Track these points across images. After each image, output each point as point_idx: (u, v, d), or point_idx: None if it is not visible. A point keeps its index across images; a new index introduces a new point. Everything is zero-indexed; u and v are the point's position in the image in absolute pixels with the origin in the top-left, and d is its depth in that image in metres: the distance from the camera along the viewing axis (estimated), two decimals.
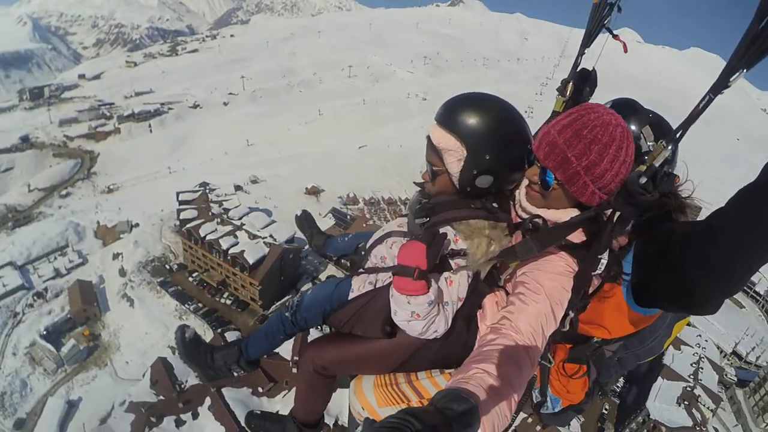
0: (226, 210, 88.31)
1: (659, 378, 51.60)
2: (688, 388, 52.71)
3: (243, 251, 77.53)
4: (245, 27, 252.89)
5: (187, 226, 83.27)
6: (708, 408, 52.20)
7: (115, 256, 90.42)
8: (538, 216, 2.23)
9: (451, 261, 2.30)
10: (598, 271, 2.10)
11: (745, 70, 1.49)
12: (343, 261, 3.89)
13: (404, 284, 2.08)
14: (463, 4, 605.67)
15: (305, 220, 4.11)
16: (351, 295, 2.65)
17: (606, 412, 50.55)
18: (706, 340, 65.99)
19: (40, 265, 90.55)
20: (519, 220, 2.38)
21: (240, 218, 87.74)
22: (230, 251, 78.59)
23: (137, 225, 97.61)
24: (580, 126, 2.02)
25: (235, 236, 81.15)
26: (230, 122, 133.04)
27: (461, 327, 2.34)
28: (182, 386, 51.66)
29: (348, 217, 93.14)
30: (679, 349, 56.56)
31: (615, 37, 2.92)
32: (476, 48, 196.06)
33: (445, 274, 2.28)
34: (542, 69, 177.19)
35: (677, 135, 1.88)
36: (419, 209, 2.44)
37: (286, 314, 2.86)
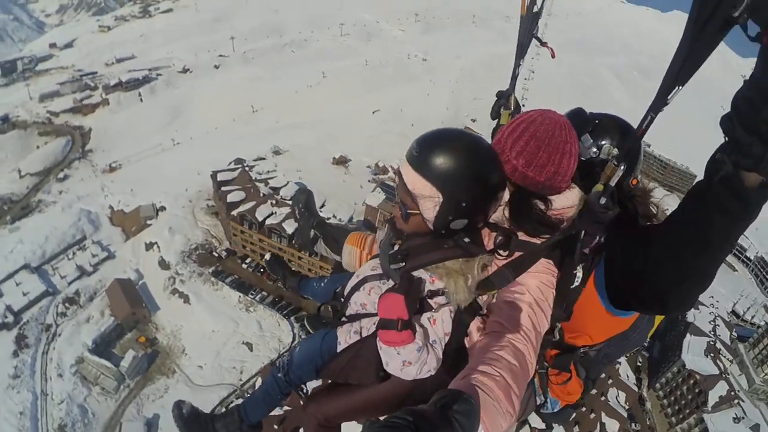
0: (275, 189, 74.80)
1: (687, 334, 58.39)
2: (711, 342, 59.60)
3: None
4: None
5: (240, 210, 69.56)
6: (728, 359, 59.67)
7: (149, 246, 75.20)
8: (510, 233, 2.12)
9: (430, 301, 2.16)
10: (576, 284, 2.13)
11: (680, 87, 1.51)
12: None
13: (390, 337, 1.99)
14: None
15: (276, 263, 3.95)
16: (339, 348, 2.50)
17: (640, 364, 60.15)
18: (718, 300, 69.30)
19: (59, 264, 74.24)
20: (492, 221, 2.24)
21: (291, 197, 74.85)
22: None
23: (164, 208, 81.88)
24: (514, 126, 2.18)
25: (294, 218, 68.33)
26: (228, 87, 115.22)
27: (452, 358, 2.19)
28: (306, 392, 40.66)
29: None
30: (698, 309, 61.18)
31: (543, 44, 2.91)
32: (464, 5, 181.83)
33: (427, 314, 2.14)
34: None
35: (625, 153, 1.84)
36: (393, 255, 2.25)
37: (279, 375, 2.72)
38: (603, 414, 47.10)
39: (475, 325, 2.22)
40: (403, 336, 1.97)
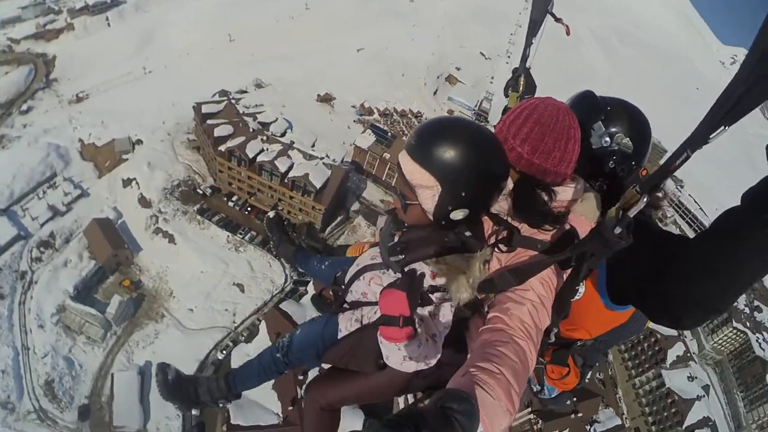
0: (263, 124, 67.95)
1: None
2: None
3: (307, 174, 60.64)
4: None
5: (228, 145, 62.84)
6: None
7: (127, 182, 68.09)
8: (512, 227, 2.06)
9: (431, 296, 2.14)
10: (577, 298, 2.09)
11: (726, 127, 1.37)
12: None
13: (392, 333, 1.94)
14: None
15: (276, 224, 3.82)
16: (340, 335, 2.54)
17: None
18: None
19: (29, 204, 66.47)
20: (496, 212, 2.18)
21: (282, 134, 68.46)
22: (290, 174, 61.25)
23: (140, 142, 74.00)
24: (518, 112, 2.14)
25: (289, 156, 62.73)
26: (202, 13, 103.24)
27: (451, 351, 2.20)
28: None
29: (389, 134, 74.92)
30: None
31: (558, 20, 2.72)
32: None
33: (428, 308, 2.13)
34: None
35: (651, 185, 1.76)
36: (392, 247, 2.24)
37: (278, 355, 2.76)
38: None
39: (475, 320, 2.21)
40: (404, 332, 1.91)
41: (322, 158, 64.12)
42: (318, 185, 60.35)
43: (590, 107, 2.43)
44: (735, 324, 65.22)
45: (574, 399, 47.36)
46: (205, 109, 68.44)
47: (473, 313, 2.22)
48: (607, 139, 2.35)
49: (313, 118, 79.41)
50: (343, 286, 2.71)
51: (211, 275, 58.91)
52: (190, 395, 2.82)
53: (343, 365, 2.52)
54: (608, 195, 2.17)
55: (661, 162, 1.69)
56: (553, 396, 2.95)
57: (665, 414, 56.82)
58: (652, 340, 60.10)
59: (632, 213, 1.68)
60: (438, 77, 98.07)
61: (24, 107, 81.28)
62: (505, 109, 2.61)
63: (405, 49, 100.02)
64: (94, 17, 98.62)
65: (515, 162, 2.10)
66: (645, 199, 1.67)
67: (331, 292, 3.04)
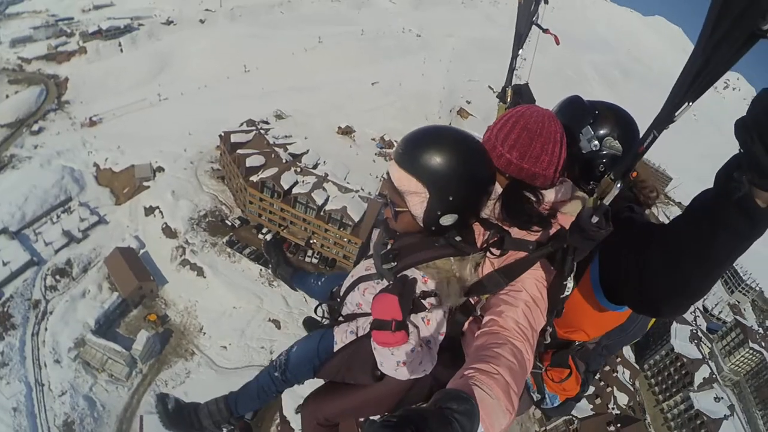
0: (294, 156, 64.89)
1: (674, 321, 58.91)
2: (693, 330, 64.78)
3: (345, 207, 57.60)
4: None
5: (261, 175, 59.34)
6: (707, 345, 66.23)
7: (149, 210, 63.39)
8: (503, 230, 2.05)
9: (423, 302, 2.08)
10: (567, 293, 2.05)
11: (690, 103, 1.35)
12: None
13: (384, 338, 1.93)
14: None
15: (274, 247, 3.80)
16: (336, 347, 2.45)
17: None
18: None
19: (42, 229, 61.07)
20: (486, 217, 2.17)
21: (314, 166, 65.36)
22: (327, 207, 58.30)
23: (161, 169, 69.70)
24: (506, 119, 2.13)
25: (324, 189, 59.61)
26: (216, 43, 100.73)
27: (447, 358, 2.15)
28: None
29: None
30: None
31: (545, 31, 2.68)
32: None
33: (421, 314, 2.07)
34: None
35: (623, 171, 1.68)
36: (385, 254, 2.21)
37: (276, 374, 2.66)
38: (615, 388, 53.21)
39: (469, 325, 2.16)
40: (397, 337, 1.91)
41: (357, 191, 61.23)
42: (356, 219, 57.29)
43: (578, 111, 2.39)
44: (751, 344, 65.85)
45: (616, 425, 48.96)
46: (233, 138, 65.11)
47: (467, 318, 2.15)
48: (596, 142, 2.32)
49: (335, 150, 77.19)
50: (338, 300, 2.64)
51: (245, 311, 54.31)
52: (193, 422, 2.70)
53: (340, 379, 2.42)
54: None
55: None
56: (555, 405, 2.68)
57: None
58: (678, 364, 60.33)
59: (607, 201, 1.66)
60: (450, 111, 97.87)
61: (35, 127, 76.29)
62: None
63: (417, 83, 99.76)
64: (106, 42, 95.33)
65: (505, 168, 2.09)
66: (619, 185, 1.63)
67: (326, 308, 2.87)
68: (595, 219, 1.69)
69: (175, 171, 68.76)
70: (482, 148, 2.11)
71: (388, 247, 2.24)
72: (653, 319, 2.65)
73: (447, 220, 2.02)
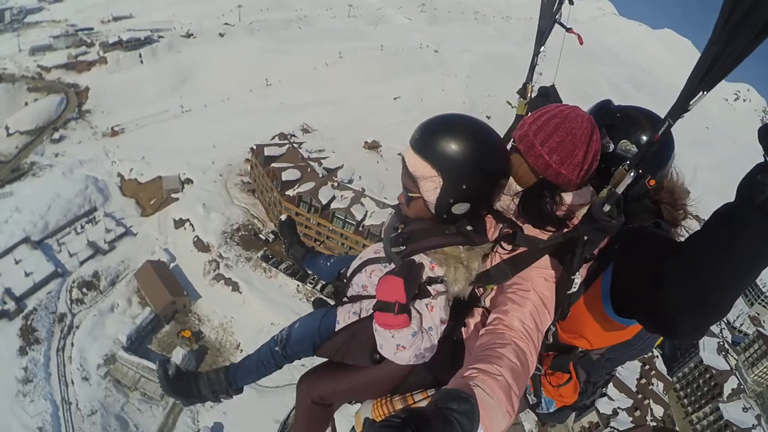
0: (329, 170, 62.29)
1: None
2: (720, 342, 63.93)
3: (384, 223, 54.33)
4: None
5: (298, 190, 56.62)
6: (734, 357, 65.50)
7: (179, 223, 60.17)
8: (516, 225, 2.04)
9: (429, 288, 2.03)
10: (573, 290, 1.97)
11: (705, 93, 1.34)
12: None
13: (386, 320, 1.88)
14: None
15: (288, 227, 3.72)
16: (337, 327, 2.41)
17: (657, 357, 59.10)
18: None
19: (66, 239, 57.75)
20: (500, 210, 2.18)
21: (349, 181, 62.81)
22: (365, 223, 55.75)
23: (190, 181, 66.68)
24: (548, 115, 2.04)
25: (362, 204, 56.98)
26: (236, 56, 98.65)
27: (448, 347, 2.14)
28: None
29: None
30: None
31: (569, 30, 2.64)
32: (467, 0, 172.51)
33: (425, 300, 2.02)
34: (530, 29, 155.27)
35: (637, 160, 1.63)
36: (394, 238, 2.17)
37: (276, 348, 2.61)
38: (651, 401, 52.56)
39: (473, 317, 2.16)
40: (399, 320, 1.86)
41: (395, 206, 58.82)
42: None
43: (600, 114, 2.36)
44: None
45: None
46: (267, 151, 62.31)
47: (471, 309, 2.14)
48: (611, 145, 2.28)
49: (364, 165, 74.45)
50: (345, 281, 2.59)
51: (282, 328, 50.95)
52: (192, 390, 2.68)
53: (338, 359, 2.40)
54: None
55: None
56: (551, 411, 2.59)
57: None
58: (708, 376, 59.98)
59: (620, 189, 1.62)
60: None
61: (55, 136, 73.25)
62: (517, 118, 2.59)
63: (438, 98, 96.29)
64: (127, 53, 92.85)
65: (542, 169, 2.03)
66: (632, 174, 1.60)
67: (334, 289, 2.81)
68: (606, 207, 1.64)
69: (205, 183, 65.73)
70: (500, 140, 2.07)
71: (398, 231, 2.18)
72: (660, 339, 2.49)
73: (459, 208, 1.97)
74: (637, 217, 2.04)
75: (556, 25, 2.58)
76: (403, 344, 1.91)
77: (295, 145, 65.78)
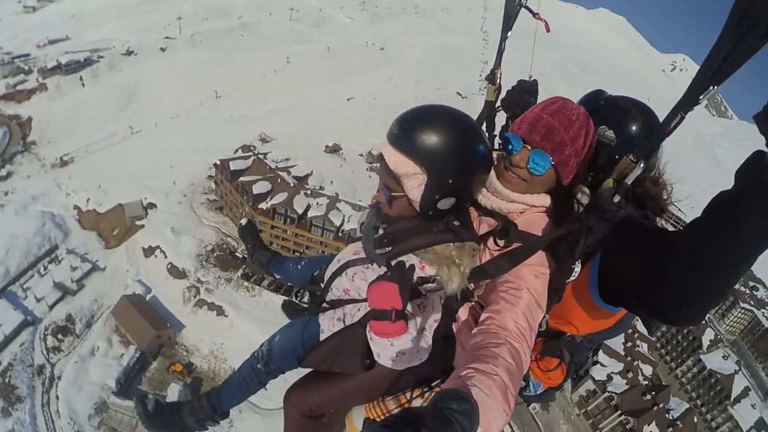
0: (298, 178, 60.52)
1: None
2: None
3: (361, 224, 53.80)
4: None
5: (272, 202, 54.91)
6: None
7: (149, 251, 57.28)
8: (513, 222, 2.00)
9: (419, 288, 2.02)
10: (572, 278, 1.93)
11: (715, 87, 1.37)
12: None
13: (384, 328, 1.79)
14: None
15: (250, 232, 3.48)
16: (322, 336, 2.23)
17: (637, 320, 62.89)
18: None
19: (30, 283, 53.99)
20: (489, 208, 2.12)
21: (320, 187, 61.35)
22: (344, 228, 54.26)
23: (153, 206, 63.45)
24: (569, 112, 1.97)
25: (338, 209, 55.80)
26: (181, 70, 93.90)
27: (440, 345, 2.04)
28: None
29: None
30: None
31: (536, 15, 2.68)
32: None
33: (417, 301, 1.98)
34: (471, 21, 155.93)
35: (644, 150, 1.65)
36: (378, 239, 2.01)
37: (258, 366, 2.42)
38: (640, 362, 54.58)
39: (463, 310, 2.08)
40: (397, 327, 1.77)
41: (372, 205, 58.11)
42: None
43: (584, 102, 2.38)
44: (741, 305, 70.86)
45: (650, 394, 50.45)
46: (233, 165, 60.05)
47: (461, 305, 2.05)
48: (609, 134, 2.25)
49: (328, 169, 73.10)
50: (322, 285, 2.45)
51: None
52: (176, 422, 2.49)
53: (326, 368, 2.24)
54: (594, 187, 2.02)
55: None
56: (538, 392, 2.66)
57: (711, 393, 60.11)
58: (684, 331, 62.56)
59: (629, 180, 1.63)
60: None
61: (2, 172, 68.21)
62: (487, 104, 2.61)
63: (390, 96, 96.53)
64: (67, 77, 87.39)
65: (566, 170, 2.00)
66: (642, 166, 1.61)
67: (307, 293, 2.72)
68: (617, 198, 1.66)
69: (169, 206, 62.75)
70: (479, 129, 2.01)
71: (380, 231, 2.04)
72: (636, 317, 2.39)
73: (445, 204, 1.90)
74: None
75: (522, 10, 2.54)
76: (402, 350, 1.83)
77: (260, 156, 63.56)
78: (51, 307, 51.49)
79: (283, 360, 2.34)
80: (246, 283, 54.73)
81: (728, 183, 1.32)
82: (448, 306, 2.01)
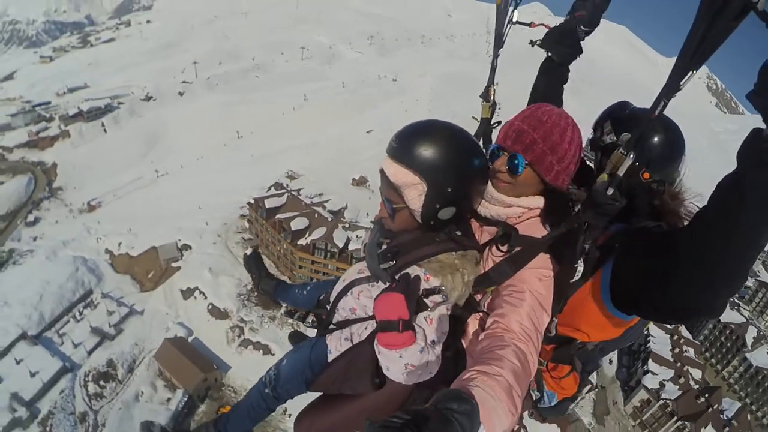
0: (334, 212, 59.99)
1: None
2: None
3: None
4: (159, 12, 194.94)
5: (312, 237, 53.95)
6: (745, 309, 70.82)
7: (188, 293, 55.61)
8: (514, 228, 1.97)
9: (425, 300, 1.91)
10: (576, 278, 1.99)
11: (694, 72, 1.38)
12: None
13: (391, 340, 1.76)
14: None
15: (254, 261, 3.45)
16: (330, 357, 2.21)
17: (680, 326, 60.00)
18: None
19: (66, 329, 52.09)
20: (489, 217, 2.11)
21: (355, 220, 60.75)
22: None
23: (188, 247, 62.25)
24: (540, 114, 2.00)
25: None
26: (201, 113, 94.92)
27: (450, 359, 1.98)
28: None
29: None
30: None
31: (531, 25, 2.80)
32: (410, 26, 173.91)
33: (423, 313, 1.89)
34: (476, 45, 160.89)
35: (633, 141, 1.67)
36: (382, 254, 2.01)
37: (266, 390, 2.44)
38: (689, 367, 54.76)
39: (471, 323, 2.07)
40: (404, 337, 1.76)
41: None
42: None
43: (606, 113, 2.45)
44: None
45: (703, 396, 49.91)
46: (268, 204, 59.43)
47: (469, 315, 2.03)
48: (612, 136, 2.33)
49: (358, 202, 72.80)
50: (328, 307, 2.42)
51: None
52: None
53: (335, 390, 2.18)
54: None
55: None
56: (553, 404, 2.62)
57: (760, 390, 59.93)
58: (728, 332, 63.13)
59: (620, 172, 1.66)
60: None
61: (30, 218, 67.16)
62: (482, 120, 2.67)
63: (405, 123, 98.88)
64: (89, 123, 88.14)
65: (551, 178, 1.99)
66: (632, 156, 1.64)
67: (315, 318, 2.66)
68: (610, 191, 1.68)
69: (204, 247, 61.51)
70: (473, 138, 2.02)
71: (383, 246, 2.05)
72: (649, 323, 2.50)
73: (445, 213, 1.89)
74: (639, 218, 2.04)
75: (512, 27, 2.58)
76: (412, 362, 1.78)
77: (293, 193, 63.14)
78: (90, 353, 49.41)
79: (291, 384, 2.32)
80: (290, 321, 52.24)
81: None
82: (455, 318, 1.97)
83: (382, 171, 1.94)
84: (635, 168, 1.76)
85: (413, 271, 1.93)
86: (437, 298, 1.91)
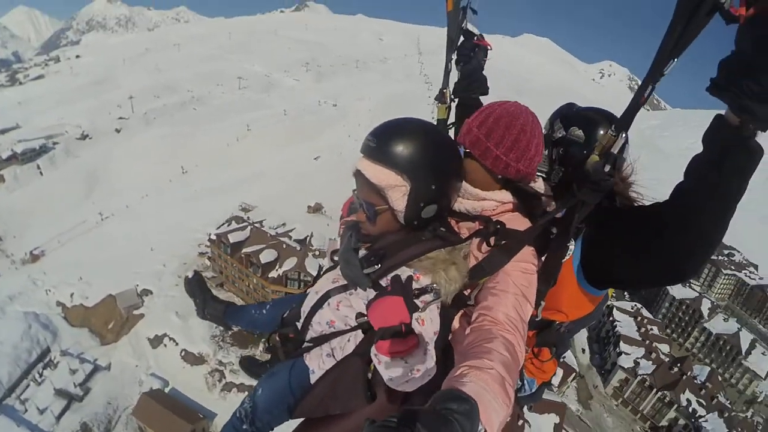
0: (300, 242, 59.69)
1: None
2: None
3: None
4: (87, 47, 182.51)
5: (283, 269, 53.49)
6: (696, 283, 76.64)
7: (156, 341, 52.97)
8: (499, 221, 1.92)
9: (416, 301, 1.82)
10: (568, 257, 2.00)
11: (675, 60, 1.47)
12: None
13: (396, 346, 1.70)
14: (308, 8, 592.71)
15: (197, 285, 3.14)
16: (313, 378, 2.03)
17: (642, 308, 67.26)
18: None
19: (27, 394, 47.97)
20: (464, 212, 2.06)
21: (324, 248, 60.54)
22: None
23: (148, 292, 59.22)
24: (486, 112, 2.02)
25: None
26: (141, 150, 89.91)
27: (440, 357, 1.84)
28: None
29: None
30: None
31: (475, 39, 2.87)
32: (343, 51, 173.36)
33: (415, 314, 1.78)
34: (410, 67, 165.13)
35: (623, 122, 1.72)
36: (365, 258, 1.90)
37: (244, 427, 2.20)
38: (656, 343, 59.29)
39: (459, 319, 1.95)
40: (409, 342, 1.71)
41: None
42: None
43: (557, 114, 2.58)
44: (724, 272, 79.05)
45: (676, 366, 55.19)
46: (232, 238, 58.09)
47: (458, 311, 1.95)
48: (562, 131, 2.45)
49: (317, 229, 72.82)
50: (298, 324, 2.22)
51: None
52: None
53: (323, 412, 2.01)
54: (564, 184, 2.21)
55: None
56: (533, 391, 2.69)
57: (723, 354, 65.21)
58: (683, 307, 69.43)
59: (615, 150, 1.70)
60: None
61: None
62: (439, 122, 2.81)
63: (354, 149, 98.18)
64: (24, 166, 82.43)
65: (501, 170, 1.99)
66: (624, 136, 1.69)
67: (278, 338, 2.39)
68: (608, 167, 1.70)
69: (166, 290, 58.82)
70: (447, 134, 2.09)
71: (362, 252, 1.97)
72: (607, 300, 2.64)
73: (428, 211, 1.87)
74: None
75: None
76: (417, 367, 1.75)
77: (256, 225, 62.07)
78: (58, 418, 45.89)
79: (270, 414, 2.19)
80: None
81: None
82: (444, 315, 1.93)
83: (358, 173, 1.90)
84: (585, 155, 1.84)
85: (402, 272, 1.88)
86: (428, 297, 1.86)
